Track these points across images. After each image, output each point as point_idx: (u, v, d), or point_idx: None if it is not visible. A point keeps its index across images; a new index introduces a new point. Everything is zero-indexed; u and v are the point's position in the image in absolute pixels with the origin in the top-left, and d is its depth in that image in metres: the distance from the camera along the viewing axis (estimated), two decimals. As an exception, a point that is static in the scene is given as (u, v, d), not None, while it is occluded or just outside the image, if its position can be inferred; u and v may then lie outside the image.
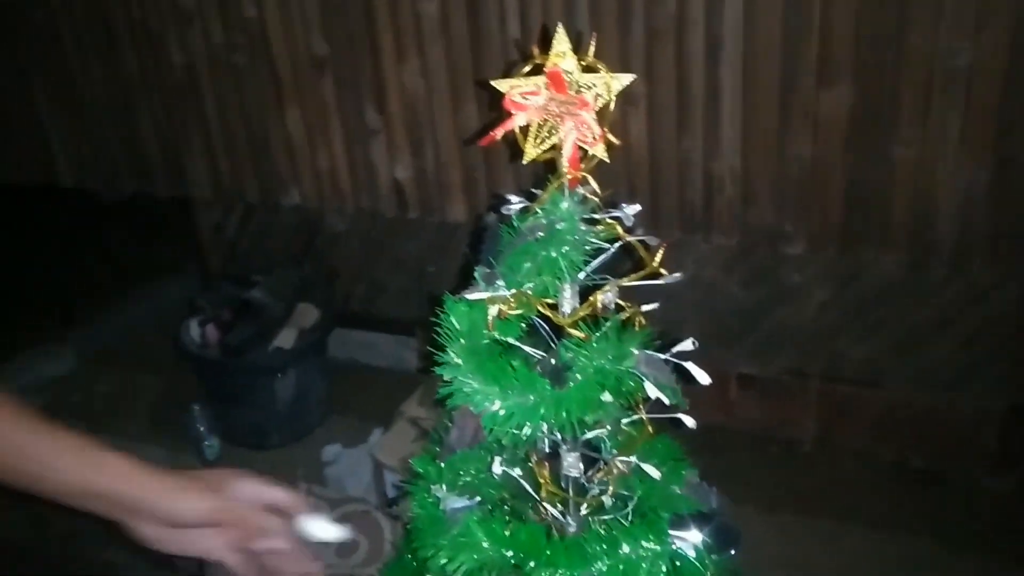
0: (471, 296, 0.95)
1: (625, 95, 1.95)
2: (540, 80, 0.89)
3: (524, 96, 0.89)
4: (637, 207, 0.94)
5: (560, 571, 0.93)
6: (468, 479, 1.04)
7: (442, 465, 1.06)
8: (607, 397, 0.89)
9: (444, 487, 1.01)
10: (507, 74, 0.89)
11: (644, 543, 0.95)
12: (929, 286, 2.04)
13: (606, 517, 1.00)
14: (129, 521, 0.80)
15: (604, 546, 0.95)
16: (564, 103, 0.88)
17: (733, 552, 1.03)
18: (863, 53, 1.72)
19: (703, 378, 0.95)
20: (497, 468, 1.02)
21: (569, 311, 0.97)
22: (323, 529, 0.84)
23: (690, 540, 0.96)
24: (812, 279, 2.16)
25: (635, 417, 1.06)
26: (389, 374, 2.80)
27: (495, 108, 0.91)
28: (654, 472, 0.98)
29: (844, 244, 1.94)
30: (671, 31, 1.85)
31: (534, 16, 1.94)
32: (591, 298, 0.92)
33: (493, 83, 0.90)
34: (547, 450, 1.07)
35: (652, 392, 0.90)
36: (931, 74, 1.68)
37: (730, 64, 1.83)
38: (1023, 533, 2.03)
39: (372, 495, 2.28)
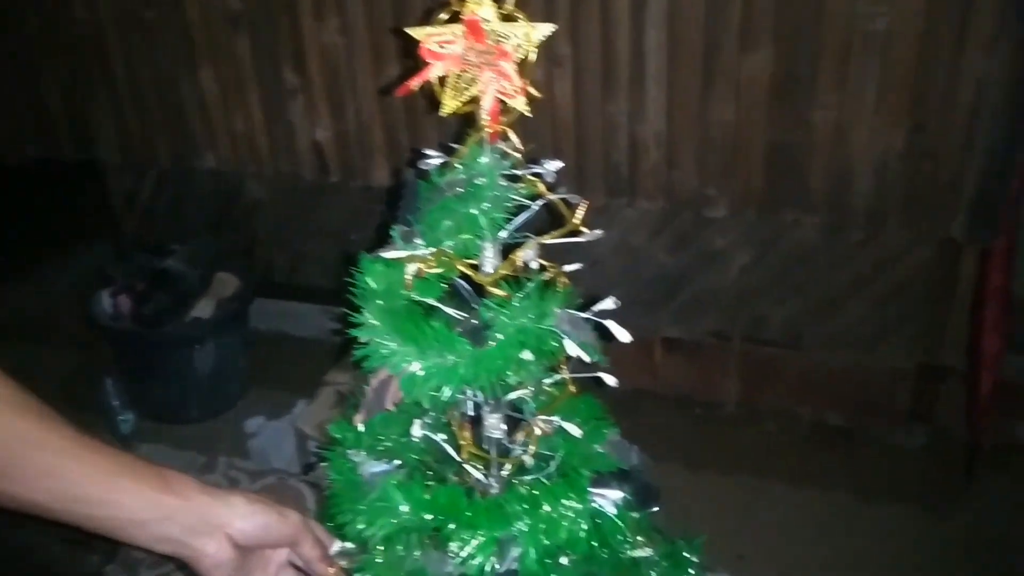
0: (388, 255, 0.92)
1: (550, 57, 1.94)
2: (458, 28, 0.85)
3: (441, 45, 0.85)
4: (559, 163, 0.92)
5: (480, 532, 0.91)
6: (388, 443, 1.02)
7: (359, 429, 1.04)
8: (528, 356, 0.88)
9: (363, 452, 0.98)
10: (425, 22, 0.85)
11: (565, 502, 0.94)
12: (846, 249, 2.09)
13: (528, 477, 1.00)
14: (200, 547, 0.78)
15: (525, 506, 0.93)
16: (483, 53, 0.85)
17: (654, 509, 1.03)
18: (784, 17, 1.74)
19: (624, 336, 0.95)
20: (417, 431, 1.00)
21: (490, 270, 0.94)
22: None
23: (610, 497, 0.95)
24: (734, 243, 2.19)
25: (558, 377, 1.06)
26: (313, 344, 2.75)
27: (412, 58, 0.87)
28: (575, 431, 0.98)
29: (765, 207, 1.97)
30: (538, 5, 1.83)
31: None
32: (512, 256, 0.90)
33: (409, 31, 0.86)
34: (470, 412, 1.05)
35: (572, 350, 0.89)
36: (849, 38, 1.70)
37: (655, 26, 1.82)
38: (932, 484, 2.13)
39: (295, 466, 2.24)
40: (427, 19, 0.87)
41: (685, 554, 1.21)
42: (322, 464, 1.12)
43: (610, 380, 1.02)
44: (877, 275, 2.11)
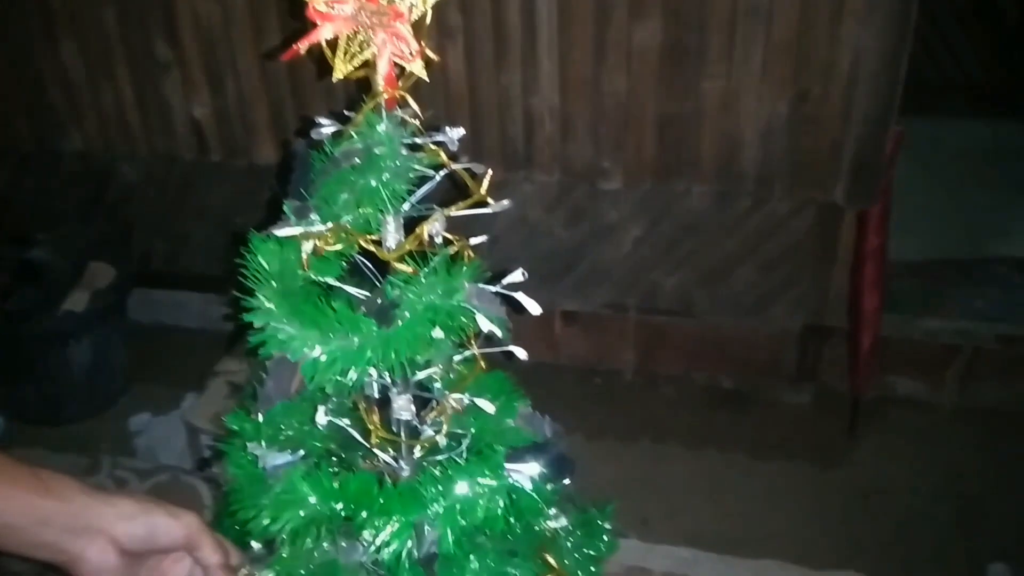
0: (281, 232, 0.86)
1: (442, 28, 1.89)
2: (348, -12, 0.80)
3: (331, 5, 0.80)
4: (461, 131, 0.89)
5: (395, 518, 0.88)
6: (290, 433, 0.97)
7: (259, 420, 0.98)
8: (438, 333, 0.85)
9: (263, 443, 0.93)
10: (310, -19, 0.80)
11: (480, 480, 0.92)
12: (733, 217, 2.14)
13: (441, 457, 0.97)
14: (78, 552, 0.71)
15: (439, 487, 0.91)
16: (376, 13, 0.80)
17: (568, 481, 1.03)
18: (672, -14, 1.75)
19: (534, 308, 0.93)
20: (322, 418, 0.95)
21: (393, 245, 0.90)
22: None
23: (526, 472, 0.94)
24: (627, 215, 2.21)
25: (467, 353, 1.03)
26: (198, 334, 2.63)
27: (300, 19, 0.81)
28: (488, 407, 0.96)
29: (658, 178, 1.99)
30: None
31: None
32: (417, 230, 0.86)
33: (294, -10, 0.81)
34: (376, 395, 1.01)
35: (484, 325, 0.86)
36: (734, 8, 1.74)
37: (546, -3, 1.81)
38: (819, 438, 2.23)
39: (188, 462, 2.14)
40: (315, -22, 0.82)
41: (598, 522, 1.22)
42: (219, 459, 1.06)
43: (520, 353, 1.01)
44: (763, 241, 2.17)
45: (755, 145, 1.88)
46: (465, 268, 0.89)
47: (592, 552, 1.19)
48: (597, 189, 2.10)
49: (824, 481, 2.12)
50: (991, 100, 3.41)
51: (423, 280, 0.85)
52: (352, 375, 0.84)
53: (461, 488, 0.91)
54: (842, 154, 1.84)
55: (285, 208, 0.87)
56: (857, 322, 2.11)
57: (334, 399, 0.98)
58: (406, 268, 0.85)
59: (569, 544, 1.16)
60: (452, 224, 0.93)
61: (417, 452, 0.97)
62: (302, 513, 0.88)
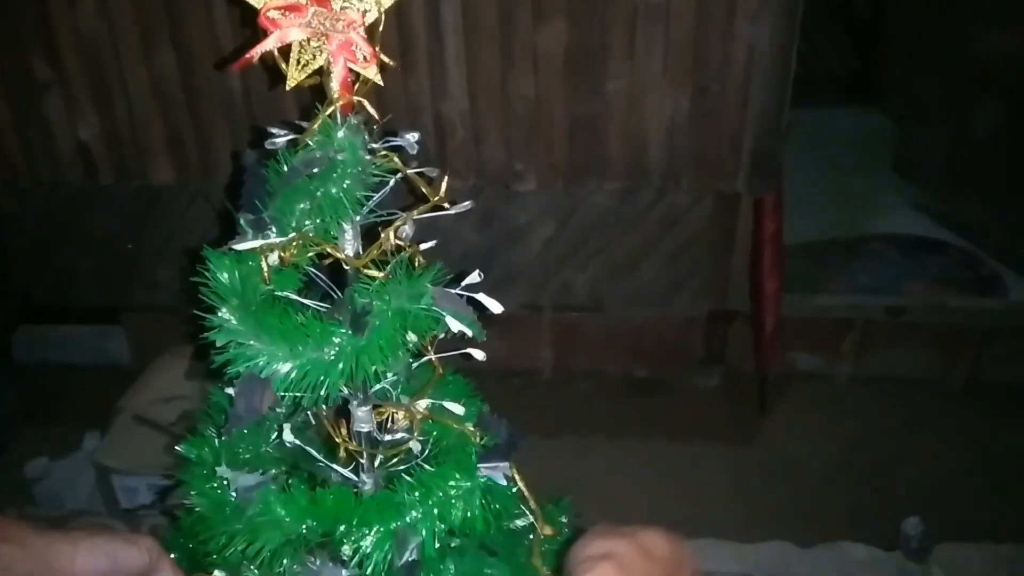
0: (239, 246, 0.84)
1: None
2: (300, -6, 0.79)
3: (283, 13, 0.78)
4: (416, 135, 0.89)
5: (375, 528, 0.87)
6: (253, 454, 0.94)
7: (217, 445, 0.94)
8: (412, 337, 0.84)
9: (229, 467, 0.89)
10: (260, -12, 0.78)
11: (454, 482, 0.92)
12: (637, 212, 2.21)
13: (411, 464, 0.96)
14: None
15: (416, 494, 0.90)
16: (329, 19, 0.80)
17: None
18: (573, -10, 1.80)
19: (495, 307, 0.94)
20: (289, 436, 0.93)
21: (352, 252, 0.89)
22: None
23: (500, 469, 0.95)
24: (537, 216, 2.24)
25: (424, 359, 1.03)
26: (92, 371, 2.50)
27: (249, 26, 0.79)
28: (457, 408, 0.96)
29: (570, 178, 2.04)
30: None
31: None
32: (384, 234, 0.85)
33: (244, -2, 0.78)
34: (334, 408, 0.99)
35: (455, 326, 0.87)
36: (634, 9, 1.80)
37: (450, 4, 1.81)
38: (731, 417, 2.34)
39: (98, 504, 2.02)
40: (264, -16, 0.80)
41: (556, 516, 1.24)
42: (173, 491, 1.01)
43: (478, 355, 1.01)
44: (666, 233, 2.26)
45: (660, 141, 1.95)
46: (426, 272, 0.89)
47: (554, 545, 1.21)
48: (506, 192, 2.12)
49: (741, 457, 2.22)
50: (851, 90, 3.68)
51: (391, 286, 0.84)
52: (325, 389, 0.83)
53: (437, 493, 0.91)
54: (741, 145, 1.94)
55: (241, 222, 0.84)
56: (759, 304, 2.22)
57: (295, 417, 0.96)
58: (376, 274, 0.84)
59: (531, 538, 1.17)
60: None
61: (389, 461, 0.96)
62: (279, 533, 0.85)
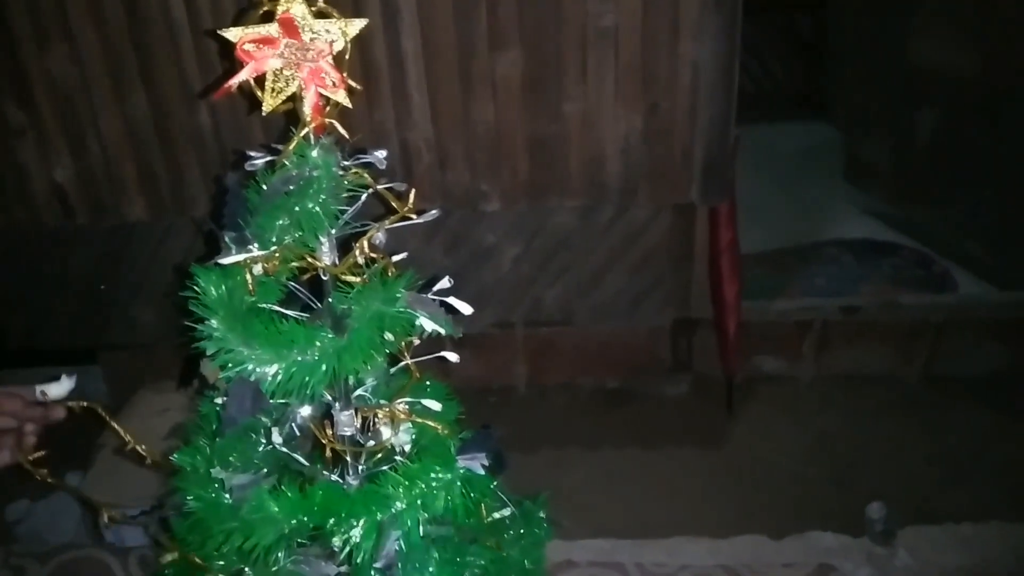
0: (225, 261, 0.90)
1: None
2: (272, 27, 0.86)
3: (257, 45, 0.86)
4: (384, 152, 0.96)
5: (364, 519, 0.93)
6: (244, 456, 0.99)
7: (209, 452, 1.00)
8: (389, 337, 0.91)
9: (223, 468, 0.95)
10: (237, 23, 0.85)
11: (435, 474, 0.98)
12: (599, 228, 2.29)
13: (394, 462, 1.02)
14: None
15: (400, 487, 0.96)
16: (300, 50, 0.87)
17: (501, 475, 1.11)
18: (526, 17, 1.89)
19: (466, 309, 1.01)
20: (278, 437, 0.99)
21: (329, 261, 0.96)
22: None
23: (477, 460, 1.01)
24: (504, 236, 2.32)
25: (401, 364, 1.09)
26: (71, 411, 2.48)
27: (228, 58, 0.87)
28: (435, 405, 1.02)
29: (533, 197, 2.12)
30: (346, 3, 1.86)
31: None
32: (359, 243, 0.92)
33: (223, 33, 0.86)
34: (319, 413, 1.05)
35: (429, 326, 0.94)
36: (584, 34, 1.90)
37: (410, 34, 1.90)
38: (700, 422, 2.42)
39: (84, 539, 2.04)
40: (239, 20, 0.87)
41: (534, 511, 1.30)
42: (167, 502, 1.06)
43: (452, 357, 1.09)
44: (628, 247, 2.34)
45: (616, 158, 2.05)
46: (399, 278, 0.97)
47: (532, 539, 1.27)
48: (473, 214, 2.20)
49: (711, 460, 2.30)
50: (799, 105, 3.83)
51: (367, 291, 0.91)
52: (310, 388, 0.89)
53: (420, 485, 0.97)
54: (693, 158, 2.04)
55: (225, 239, 0.91)
56: (721, 311, 2.31)
57: (282, 419, 1.02)
58: (354, 279, 0.91)
59: (511, 532, 1.23)
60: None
61: (374, 457, 1.02)
62: (273, 528, 0.91)
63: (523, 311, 2.44)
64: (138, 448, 1.02)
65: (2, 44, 1.93)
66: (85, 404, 0.98)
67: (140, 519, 1.82)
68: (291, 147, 0.90)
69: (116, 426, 1.00)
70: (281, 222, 0.90)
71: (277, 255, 0.89)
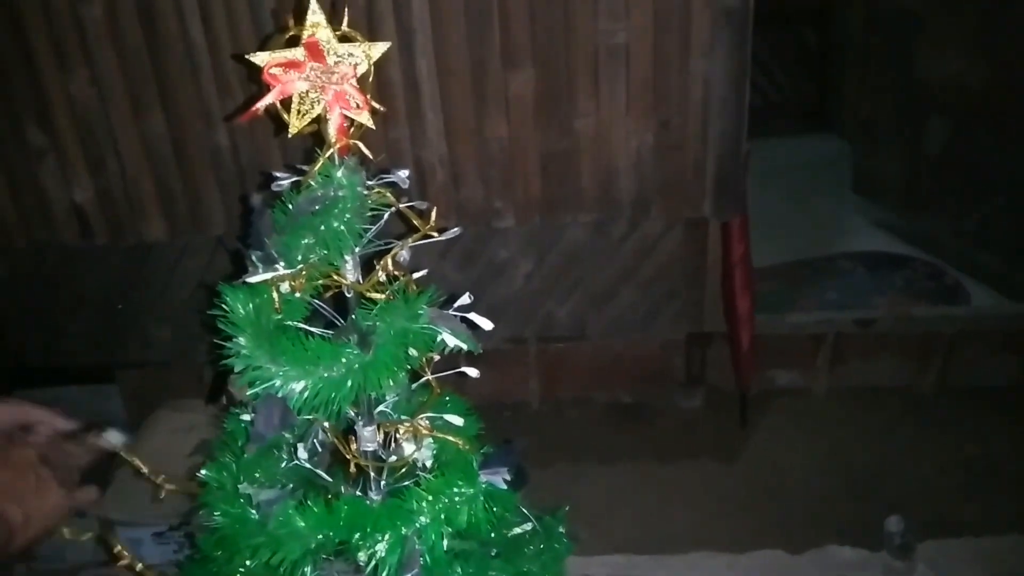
0: (252, 280, 0.92)
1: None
2: (298, 51, 0.88)
3: (283, 68, 0.88)
4: (407, 171, 0.98)
5: (388, 534, 0.94)
6: (269, 472, 1.01)
7: (236, 468, 1.01)
8: (413, 353, 0.92)
9: (250, 484, 0.96)
10: (262, 47, 0.87)
11: (458, 489, 0.99)
12: (611, 243, 2.31)
13: (416, 476, 1.03)
14: None
15: (424, 501, 0.97)
16: (324, 73, 0.89)
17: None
18: (539, 37, 1.92)
19: (486, 324, 1.03)
20: (303, 453, 1.00)
21: (353, 280, 0.98)
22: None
23: (499, 475, 1.02)
24: (517, 252, 2.33)
25: (422, 380, 1.10)
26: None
27: (249, 80, 0.89)
28: (457, 420, 1.03)
29: (546, 212, 2.14)
30: (362, 24, 1.89)
31: (218, 16, 1.86)
32: (384, 260, 0.94)
33: (249, 57, 0.88)
34: (342, 430, 1.06)
35: (451, 341, 0.95)
36: (596, 52, 1.92)
37: (424, 53, 1.93)
38: (715, 435, 2.42)
39: (100, 557, 2.05)
40: (265, 45, 0.89)
41: (555, 526, 1.31)
42: (190, 522, 1.07)
43: (472, 372, 1.10)
44: (640, 262, 2.35)
45: (629, 173, 2.07)
46: (421, 295, 0.98)
47: (553, 554, 1.28)
48: (486, 231, 2.21)
49: (727, 473, 2.29)
50: (809, 119, 3.85)
51: (392, 307, 0.93)
52: (336, 404, 0.90)
53: (443, 500, 0.98)
54: (705, 172, 2.05)
55: (252, 258, 0.93)
56: (734, 324, 2.31)
57: (307, 435, 1.03)
58: (378, 296, 0.92)
59: (531, 547, 1.24)
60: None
61: (396, 473, 1.03)
62: (299, 543, 0.92)
63: (536, 326, 2.44)
64: (166, 486, 1.02)
65: (25, 69, 1.97)
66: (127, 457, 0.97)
67: (164, 537, 1.83)
68: (316, 168, 0.92)
69: (144, 469, 1.00)
70: (307, 241, 0.92)
71: (303, 273, 0.90)
